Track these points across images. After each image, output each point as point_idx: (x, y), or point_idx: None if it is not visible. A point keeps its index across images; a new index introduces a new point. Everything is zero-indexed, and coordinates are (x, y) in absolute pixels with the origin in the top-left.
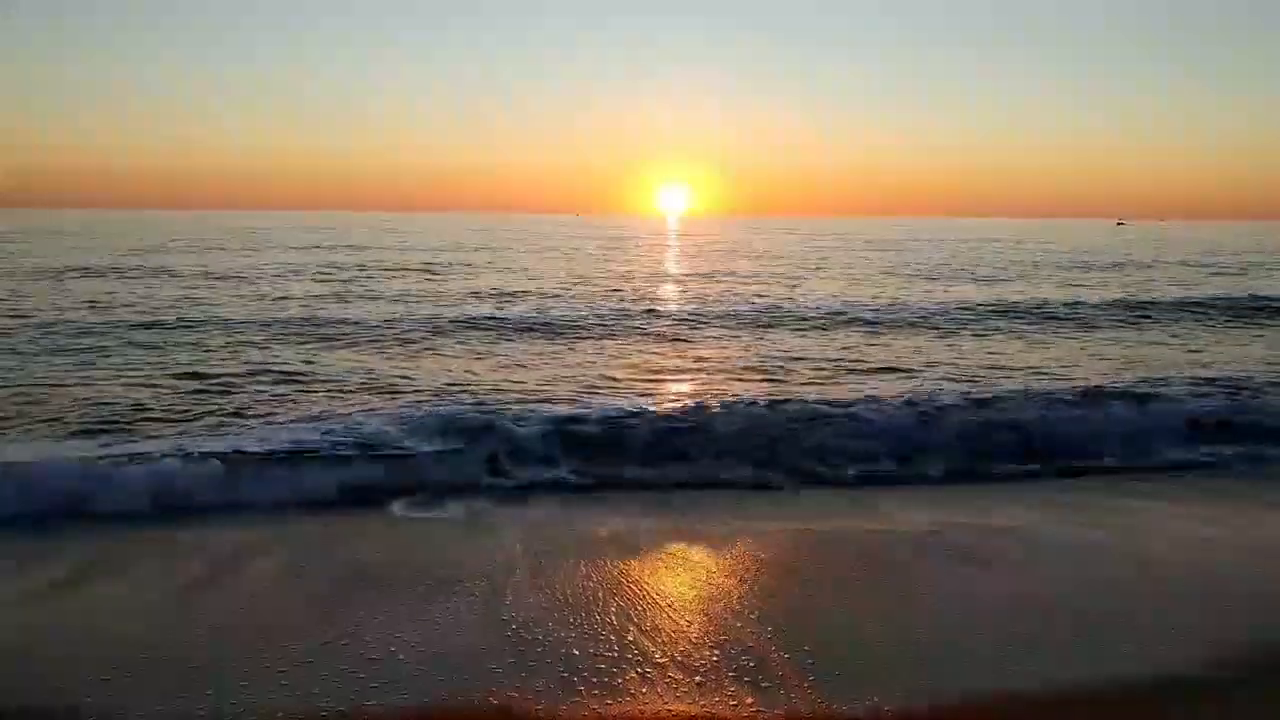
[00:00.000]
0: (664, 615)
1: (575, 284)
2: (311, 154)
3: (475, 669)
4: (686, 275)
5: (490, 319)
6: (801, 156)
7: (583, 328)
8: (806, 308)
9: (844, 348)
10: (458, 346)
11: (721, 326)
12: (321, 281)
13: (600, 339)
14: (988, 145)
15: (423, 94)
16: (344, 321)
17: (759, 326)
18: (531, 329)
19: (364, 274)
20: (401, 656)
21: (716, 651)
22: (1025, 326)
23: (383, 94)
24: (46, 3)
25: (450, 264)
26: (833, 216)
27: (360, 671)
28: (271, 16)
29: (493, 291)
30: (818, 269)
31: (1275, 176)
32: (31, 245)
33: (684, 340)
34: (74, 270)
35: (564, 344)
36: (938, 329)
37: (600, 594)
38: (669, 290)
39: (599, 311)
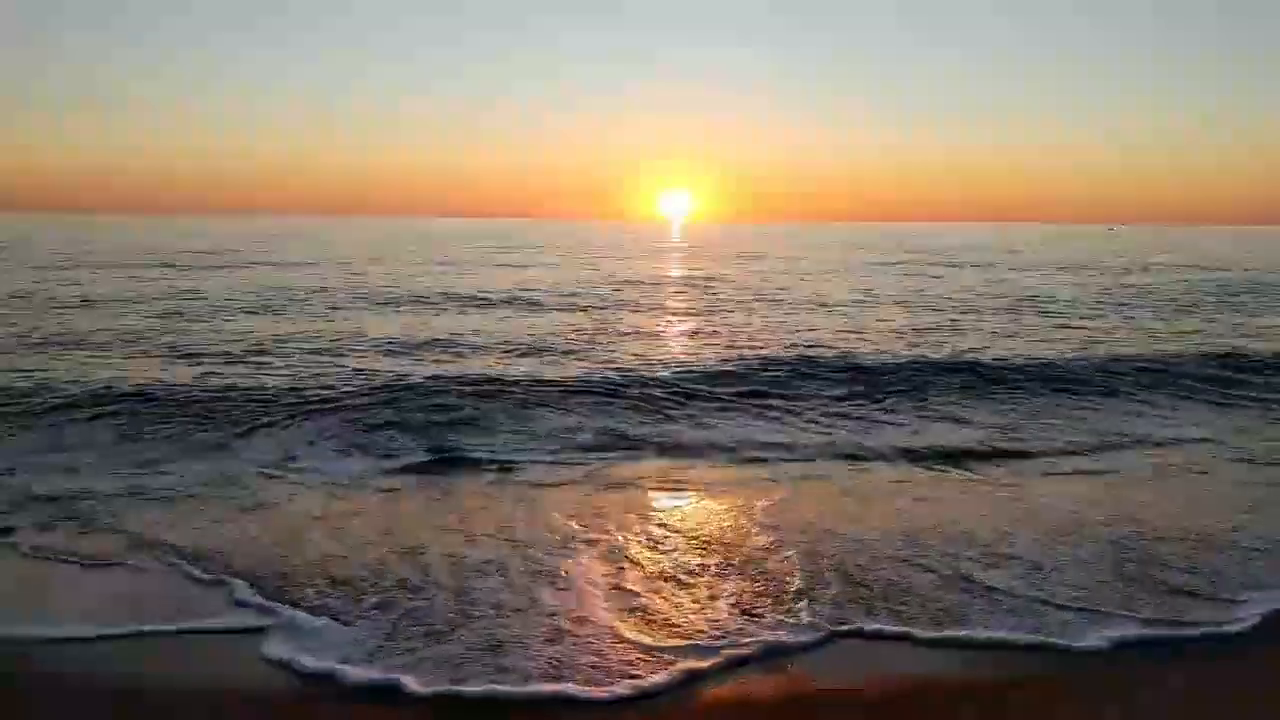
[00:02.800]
0: None
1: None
2: (298, 157)
3: None
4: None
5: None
6: (798, 162)
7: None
8: None
9: None
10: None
11: None
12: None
13: None
14: (982, 150)
15: (418, 98)
16: None
17: None
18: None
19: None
20: None
21: None
22: None
23: (378, 97)
24: None
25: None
26: (830, 222)
27: None
28: (262, 16)
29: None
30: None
31: (1258, 180)
32: None
33: None
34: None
35: None
36: None
37: None
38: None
39: None
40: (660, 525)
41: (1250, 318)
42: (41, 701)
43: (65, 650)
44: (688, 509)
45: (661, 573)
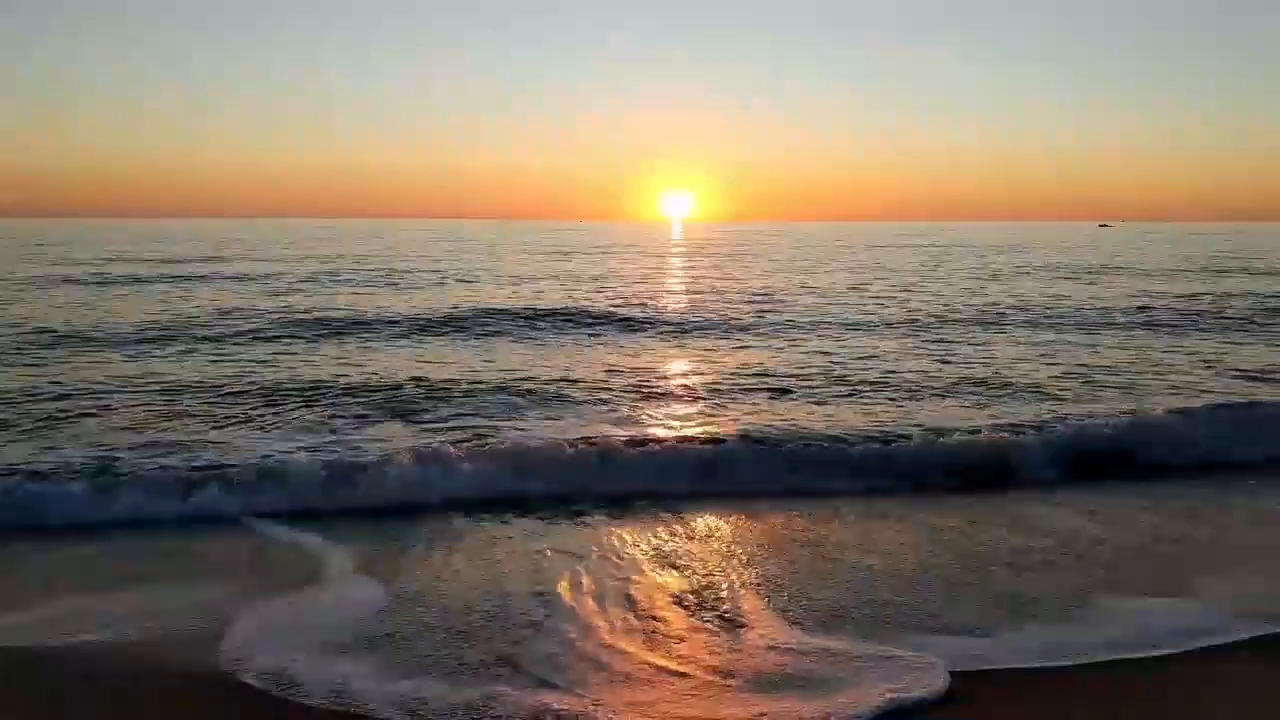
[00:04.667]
0: None
1: None
2: (303, 159)
3: None
4: None
5: None
6: (798, 162)
7: None
8: None
9: None
10: None
11: None
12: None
13: None
14: (978, 150)
15: (422, 99)
16: None
17: None
18: None
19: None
20: None
21: None
22: None
23: (381, 98)
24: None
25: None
26: (831, 221)
27: None
28: (275, 17)
29: None
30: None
31: (1244, 181)
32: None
33: None
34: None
35: None
36: None
37: None
38: None
39: None
40: None
41: None
42: (42, 701)
43: (66, 650)
44: None
45: None
